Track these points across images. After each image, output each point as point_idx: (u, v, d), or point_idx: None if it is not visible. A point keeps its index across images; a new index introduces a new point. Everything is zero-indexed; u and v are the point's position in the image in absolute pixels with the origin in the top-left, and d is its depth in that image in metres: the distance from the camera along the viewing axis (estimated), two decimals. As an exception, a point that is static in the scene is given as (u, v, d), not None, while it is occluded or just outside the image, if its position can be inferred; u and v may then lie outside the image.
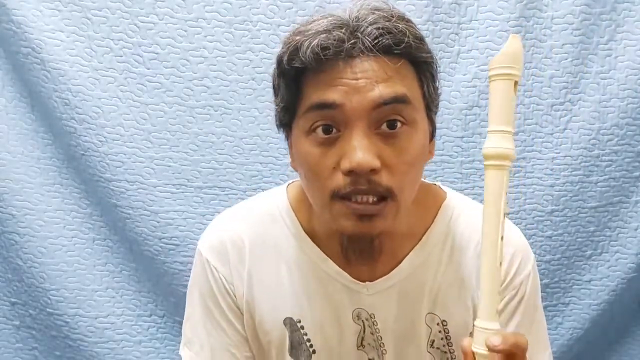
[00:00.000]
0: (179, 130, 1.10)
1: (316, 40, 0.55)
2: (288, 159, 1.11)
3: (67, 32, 1.06)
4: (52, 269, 1.11)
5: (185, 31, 1.08)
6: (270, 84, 1.06)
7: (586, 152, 1.11)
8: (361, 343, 0.71)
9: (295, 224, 0.70)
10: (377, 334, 0.70)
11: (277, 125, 0.67)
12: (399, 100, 0.57)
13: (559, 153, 1.12)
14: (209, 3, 1.08)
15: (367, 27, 0.56)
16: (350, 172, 0.56)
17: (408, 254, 0.69)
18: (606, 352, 1.21)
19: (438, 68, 0.63)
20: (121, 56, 1.08)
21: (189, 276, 1.10)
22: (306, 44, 0.56)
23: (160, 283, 1.14)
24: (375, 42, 0.56)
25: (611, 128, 1.11)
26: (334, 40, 0.55)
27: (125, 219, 1.10)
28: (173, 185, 1.11)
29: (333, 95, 0.56)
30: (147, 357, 1.15)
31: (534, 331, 0.71)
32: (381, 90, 0.56)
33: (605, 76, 1.10)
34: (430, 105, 0.62)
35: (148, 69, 1.08)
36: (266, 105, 1.11)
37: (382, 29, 0.56)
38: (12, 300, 1.14)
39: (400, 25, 0.56)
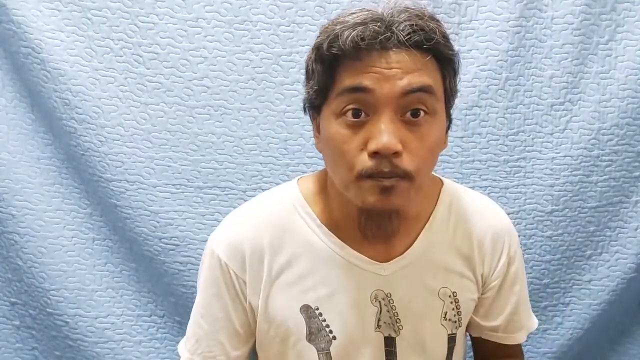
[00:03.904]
0: (179, 130, 1.10)
1: (355, 31, 0.61)
2: (288, 159, 1.13)
3: (67, 32, 1.06)
4: (52, 269, 1.11)
5: (185, 31, 1.08)
6: (270, 84, 1.09)
7: (586, 152, 1.11)
8: (378, 324, 0.75)
9: (310, 215, 0.74)
10: (394, 311, 0.75)
11: (305, 107, 0.72)
12: (425, 90, 0.62)
13: (559, 153, 1.12)
14: (209, 3, 1.08)
15: (402, 22, 0.61)
16: (375, 154, 0.61)
17: (419, 235, 0.75)
18: (606, 352, 1.21)
19: (460, 66, 0.68)
20: (121, 56, 1.07)
21: (189, 276, 1.12)
22: (346, 33, 0.61)
23: (160, 283, 1.14)
24: (408, 37, 0.61)
25: (611, 128, 1.11)
26: (371, 32, 0.61)
27: (125, 219, 1.10)
28: (173, 185, 1.11)
29: (366, 80, 0.61)
30: (147, 357, 1.15)
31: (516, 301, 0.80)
32: (410, 80, 0.61)
33: (605, 76, 1.10)
34: (450, 98, 0.68)
35: (148, 69, 1.08)
36: (266, 105, 1.11)
37: (415, 26, 0.61)
38: (12, 300, 1.14)
39: (431, 24, 0.62)
